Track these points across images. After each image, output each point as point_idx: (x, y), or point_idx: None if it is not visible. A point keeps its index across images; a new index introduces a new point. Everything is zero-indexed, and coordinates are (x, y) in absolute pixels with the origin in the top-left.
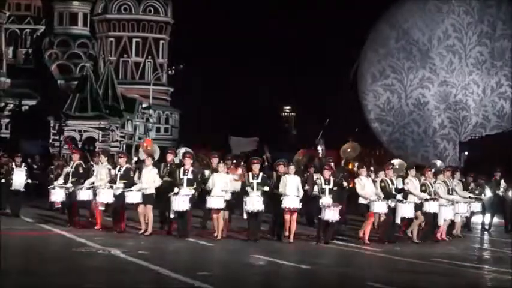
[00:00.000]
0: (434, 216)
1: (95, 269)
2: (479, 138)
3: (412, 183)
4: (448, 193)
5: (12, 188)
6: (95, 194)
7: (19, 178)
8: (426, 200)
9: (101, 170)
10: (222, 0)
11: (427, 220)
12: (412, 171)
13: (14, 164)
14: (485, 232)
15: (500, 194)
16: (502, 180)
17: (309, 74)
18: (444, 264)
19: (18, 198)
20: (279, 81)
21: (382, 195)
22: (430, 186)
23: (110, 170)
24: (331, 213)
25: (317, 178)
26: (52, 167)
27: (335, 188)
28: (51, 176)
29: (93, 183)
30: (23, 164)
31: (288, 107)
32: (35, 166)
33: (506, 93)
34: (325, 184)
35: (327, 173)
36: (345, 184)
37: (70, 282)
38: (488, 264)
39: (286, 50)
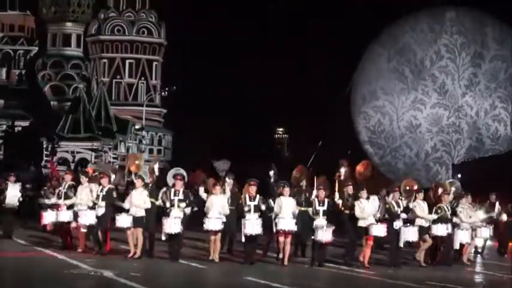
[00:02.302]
0: (446, 239)
1: None
2: (473, 160)
3: (420, 206)
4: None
5: (6, 204)
6: (76, 216)
7: (13, 192)
8: (434, 222)
9: (82, 191)
10: (216, 21)
11: (437, 244)
12: (420, 195)
13: (8, 181)
14: (479, 255)
15: (495, 216)
16: (497, 203)
17: (303, 95)
18: None
19: (11, 219)
20: (273, 102)
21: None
22: (446, 209)
23: (91, 190)
24: (324, 234)
25: (312, 198)
26: (45, 188)
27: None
28: (42, 193)
29: (72, 204)
30: (18, 183)
31: (280, 129)
32: (27, 186)
33: (500, 116)
34: (320, 205)
35: (321, 194)
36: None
37: None
38: (481, 287)
39: (280, 70)
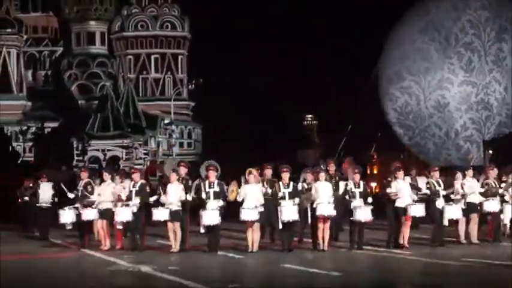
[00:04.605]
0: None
1: (127, 287)
2: (503, 136)
3: (469, 183)
4: None
5: (40, 202)
6: (101, 214)
7: (46, 193)
8: (486, 199)
9: (105, 189)
10: (240, 12)
11: (490, 220)
12: (470, 172)
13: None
14: None
15: None
16: None
17: (331, 81)
18: (475, 264)
19: (46, 220)
20: (301, 89)
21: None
22: (493, 185)
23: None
24: (363, 213)
25: (346, 183)
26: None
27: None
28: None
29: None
30: (51, 183)
31: (310, 116)
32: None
33: None
34: (356, 188)
35: (357, 177)
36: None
37: None
38: None
39: (307, 57)
